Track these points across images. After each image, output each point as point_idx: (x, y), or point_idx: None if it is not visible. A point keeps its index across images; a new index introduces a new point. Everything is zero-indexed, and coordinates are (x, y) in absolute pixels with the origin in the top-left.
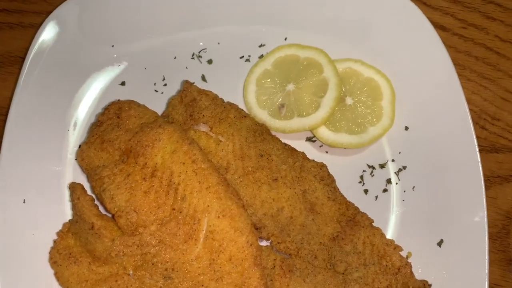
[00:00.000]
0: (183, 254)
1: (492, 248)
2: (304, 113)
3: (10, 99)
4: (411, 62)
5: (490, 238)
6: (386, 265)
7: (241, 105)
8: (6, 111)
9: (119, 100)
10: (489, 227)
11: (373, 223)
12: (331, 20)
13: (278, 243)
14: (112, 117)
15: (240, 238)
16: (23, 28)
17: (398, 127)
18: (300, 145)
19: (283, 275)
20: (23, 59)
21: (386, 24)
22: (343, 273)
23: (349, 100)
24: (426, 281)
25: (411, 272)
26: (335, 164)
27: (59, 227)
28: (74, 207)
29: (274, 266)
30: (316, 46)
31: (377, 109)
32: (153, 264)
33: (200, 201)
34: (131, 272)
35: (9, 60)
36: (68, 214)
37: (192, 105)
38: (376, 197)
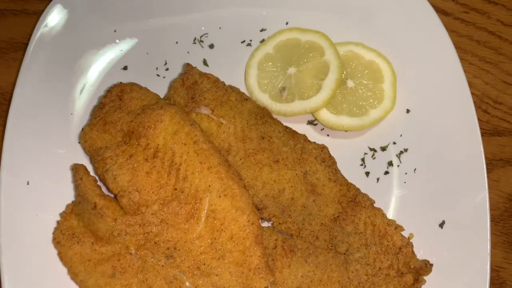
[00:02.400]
0: (185, 233)
1: (495, 231)
2: (305, 96)
3: (14, 85)
4: (412, 45)
5: (492, 220)
6: (387, 245)
7: (243, 89)
8: (11, 96)
9: (121, 82)
10: (491, 209)
11: (374, 204)
12: (332, 3)
13: (280, 223)
14: (114, 99)
15: (241, 217)
16: (27, 15)
17: (399, 110)
18: (301, 128)
19: (284, 255)
20: (26, 45)
21: (387, 8)
22: (344, 254)
23: (350, 83)
24: (428, 261)
25: (413, 252)
26: (337, 147)
27: (63, 208)
28: (77, 187)
29: (276, 246)
30: (317, 29)
31: (378, 91)
32: (155, 243)
33: (201, 181)
34: (133, 252)
35: (13, 47)
36: (71, 196)
37: (194, 88)
38: (378, 179)
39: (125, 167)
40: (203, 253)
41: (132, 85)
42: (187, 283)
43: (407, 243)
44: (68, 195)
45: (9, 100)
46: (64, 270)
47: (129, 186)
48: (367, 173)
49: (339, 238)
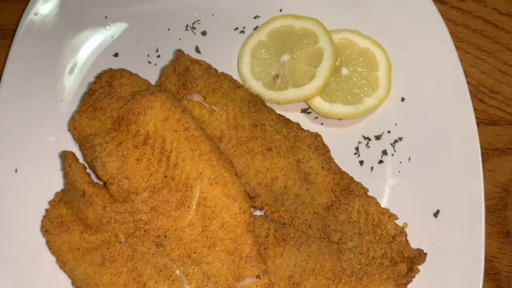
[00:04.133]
0: (176, 221)
1: (490, 221)
2: (299, 83)
3: (2, 71)
4: (408, 33)
5: (487, 210)
6: (381, 234)
7: (235, 77)
8: None
9: (111, 68)
10: (486, 199)
11: (368, 193)
12: None
13: (272, 212)
14: (104, 85)
15: (233, 204)
16: (16, 1)
17: (394, 98)
18: (295, 116)
19: (277, 244)
20: (15, 31)
21: None
22: (337, 243)
23: (344, 71)
24: (422, 250)
25: (407, 241)
26: (330, 136)
27: (51, 196)
28: (65, 175)
29: (268, 235)
30: (311, 16)
31: (373, 79)
32: (145, 231)
33: (192, 168)
34: (122, 240)
35: (2, 33)
36: (60, 184)
37: (185, 75)
38: (372, 168)
39: (115, 154)
40: (194, 241)
41: (122, 71)
42: (178, 272)
43: (401, 232)
44: (57, 183)
45: None
46: (52, 259)
47: (119, 173)
48: (361, 162)
49: (332, 227)
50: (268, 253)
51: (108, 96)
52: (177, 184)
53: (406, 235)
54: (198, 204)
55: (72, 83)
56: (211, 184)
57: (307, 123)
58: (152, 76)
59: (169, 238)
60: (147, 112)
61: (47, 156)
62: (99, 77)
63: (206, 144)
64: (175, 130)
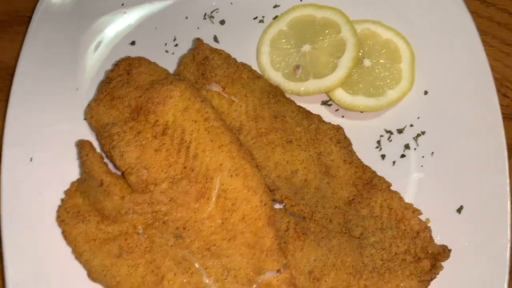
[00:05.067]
0: (195, 213)
1: None
2: (320, 74)
3: (18, 60)
4: (432, 25)
5: None
6: (404, 229)
7: (254, 67)
8: (14, 70)
9: (129, 56)
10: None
11: (390, 187)
12: None
13: (292, 206)
14: (122, 73)
15: (254, 197)
16: None
17: (417, 91)
18: (315, 109)
19: (297, 237)
20: (30, 18)
21: None
22: (359, 238)
23: (367, 62)
24: (446, 246)
25: (431, 236)
26: (352, 129)
27: (67, 186)
28: (82, 164)
29: (288, 229)
30: (333, 6)
31: (396, 71)
32: (164, 222)
33: (212, 159)
34: (141, 231)
35: (17, 20)
36: (76, 174)
37: (204, 64)
38: (394, 162)
39: (133, 144)
40: (214, 233)
41: (141, 59)
42: (196, 265)
43: (425, 228)
44: (72, 173)
45: (13, 75)
46: (68, 249)
47: (137, 163)
48: (383, 156)
49: (353, 221)
50: (288, 247)
51: (126, 84)
52: (196, 176)
53: (430, 231)
54: (218, 196)
55: (88, 71)
56: (231, 176)
57: (327, 116)
58: (169, 65)
59: (188, 230)
60: (166, 102)
61: (63, 145)
62: (117, 65)
63: (226, 135)
64: (194, 121)
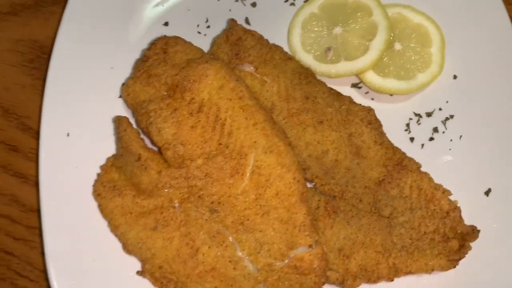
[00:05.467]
0: (230, 188)
1: None
2: (352, 57)
3: (52, 39)
4: (463, 10)
5: None
6: (434, 209)
7: (285, 49)
8: (49, 50)
9: (165, 35)
10: None
11: (420, 168)
12: None
13: (322, 185)
14: (159, 52)
15: (287, 174)
16: None
17: (446, 76)
18: (345, 91)
19: (327, 216)
20: None
21: None
22: (388, 217)
23: (397, 46)
24: (475, 227)
25: (460, 217)
26: (381, 112)
27: (102, 161)
28: (120, 139)
29: (318, 207)
30: None
31: (426, 56)
32: (199, 197)
33: (247, 137)
34: (176, 205)
35: (51, 0)
36: (111, 150)
37: (238, 44)
38: (422, 145)
39: (170, 120)
40: (247, 208)
41: (177, 38)
42: (230, 238)
43: (455, 208)
44: (107, 149)
45: (47, 54)
46: (104, 222)
47: (174, 139)
48: (412, 139)
49: (383, 201)
50: (318, 225)
51: (162, 63)
52: (231, 152)
53: (460, 211)
54: (252, 173)
55: (123, 50)
56: (265, 153)
57: (357, 98)
58: (201, 46)
59: (223, 204)
60: (202, 80)
61: (98, 122)
62: (153, 44)
63: (260, 114)
64: (229, 99)
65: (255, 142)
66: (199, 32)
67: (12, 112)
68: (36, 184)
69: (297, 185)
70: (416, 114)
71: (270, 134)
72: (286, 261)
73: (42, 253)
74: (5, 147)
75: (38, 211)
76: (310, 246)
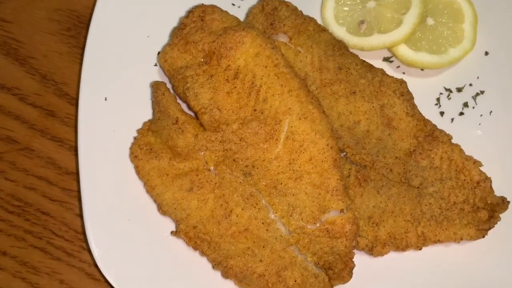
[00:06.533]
0: (264, 152)
1: None
2: (385, 30)
3: (90, 8)
4: None
5: None
6: (464, 180)
7: (318, 22)
8: (86, 19)
9: (202, 4)
10: None
11: (451, 140)
12: None
13: (353, 154)
14: (196, 19)
15: (321, 140)
16: None
17: (477, 52)
18: (376, 65)
19: (357, 184)
20: None
21: None
22: (417, 187)
23: (430, 21)
24: (505, 198)
25: (491, 187)
26: (412, 86)
27: (139, 125)
28: (158, 103)
29: (349, 175)
30: None
31: (458, 31)
32: (234, 160)
33: (281, 103)
34: (212, 168)
35: None
36: (147, 115)
37: (273, 14)
38: (452, 119)
39: (206, 86)
40: (281, 173)
41: (214, 6)
42: (263, 201)
43: (486, 178)
44: (144, 114)
45: (84, 23)
46: (140, 184)
47: (210, 104)
48: (442, 113)
49: (413, 172)
50: (348, 193)
51: (199, 30)
52: (266, 118)
53: (491, 181)
54: (286, 138)
55: (158, 18)
56: (299, 119)
57: (389, 72)
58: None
59: (257, 168)
60: (238, 47)
61: (135, 88)
62: (191, 11)
63: (295, 81)
64: (265, 66)
65: (289, 108)
66: (233, 4)
67: (50, 78)
68: (72, 148)
69: (330, 151)
70: (446, 89)
71: (304, 101)
72: (318, 224)
73: (78, 215)
74: (43, 112)
75: (74, 174)
76: (341, 210)
